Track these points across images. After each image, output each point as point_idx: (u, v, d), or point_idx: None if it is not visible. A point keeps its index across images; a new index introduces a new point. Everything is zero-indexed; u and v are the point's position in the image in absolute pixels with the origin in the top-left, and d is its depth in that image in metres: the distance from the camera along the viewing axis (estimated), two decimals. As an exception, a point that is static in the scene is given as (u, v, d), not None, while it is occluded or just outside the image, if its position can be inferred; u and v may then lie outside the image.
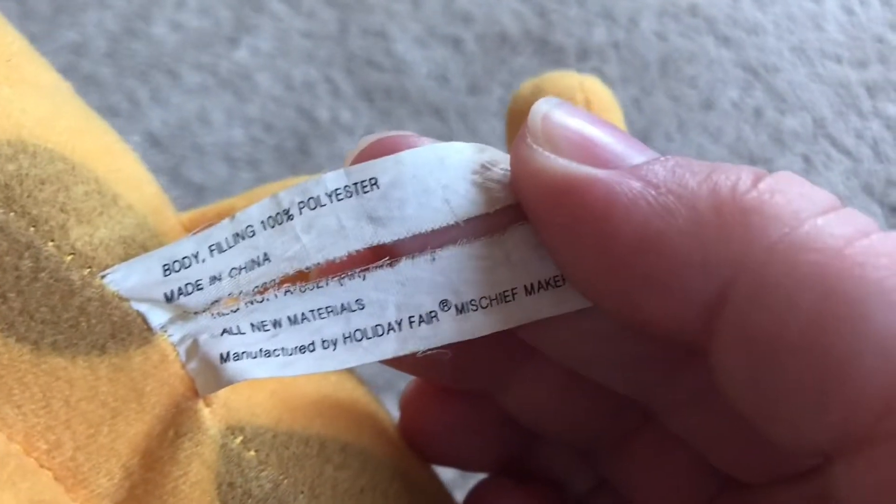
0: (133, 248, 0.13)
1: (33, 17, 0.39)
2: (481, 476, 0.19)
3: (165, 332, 0.13)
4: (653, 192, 0.11)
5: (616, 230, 0.11)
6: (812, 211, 0.11)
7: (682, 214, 0.11)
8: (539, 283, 0.13)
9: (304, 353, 0.13)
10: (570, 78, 0.20)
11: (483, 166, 0.13)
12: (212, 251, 0.13)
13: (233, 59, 0.40)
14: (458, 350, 0.13)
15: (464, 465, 0.18)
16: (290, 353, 0.13)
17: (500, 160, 0.13)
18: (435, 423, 0.17)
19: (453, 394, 0.17)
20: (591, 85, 0.20)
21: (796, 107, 0.41)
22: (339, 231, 0.13)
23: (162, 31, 0.40)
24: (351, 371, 0.18)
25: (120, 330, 0.12)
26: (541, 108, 0.13)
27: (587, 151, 0.12)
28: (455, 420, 0.17)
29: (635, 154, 0.12)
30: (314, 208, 0.13)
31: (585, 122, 0.12)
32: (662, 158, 0.12)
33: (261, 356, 0.13)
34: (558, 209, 0.12)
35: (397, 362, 0.14)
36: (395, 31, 0.41)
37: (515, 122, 0.20)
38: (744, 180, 0.11)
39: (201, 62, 0.39)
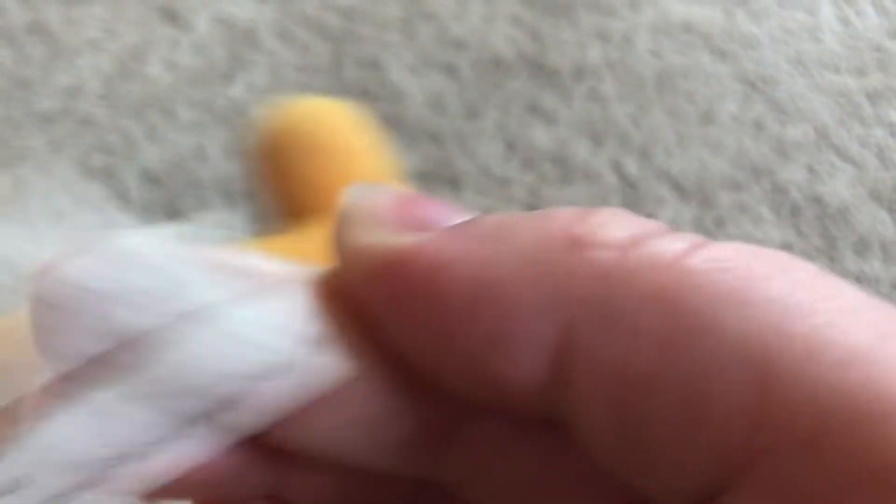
0: None
1: (29, 63, 0.39)
2: None
3: None
4: (479, 245, 0.11)
5: (448, 290, 0.10)
6: (644, 234, 0.10)
7: (512, 260, 0.10)
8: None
9: None
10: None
11: None
12: None
13: (228, 95, 0.40)
14: (203, 480, 0.12)
15: None
16: None
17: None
18: None
19: None
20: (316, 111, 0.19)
21: (797, 117, 0.41)
22: None
23: (156, 71, 0.40)
24: None
25: None
26: (350, 192, 0.12)
27: (406, 221, 0.11)
28: None
29: (453, 214, 0.11)
30: None
31: (391, 196, 0.12)
32: (489, 215, 0.11)
33: None
34: (387, 287, 0.11)
35: None
36: (389, 60, 0.41)
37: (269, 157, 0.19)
38: (570, 219, 0.10)
39: (196, 100, 0.39)
